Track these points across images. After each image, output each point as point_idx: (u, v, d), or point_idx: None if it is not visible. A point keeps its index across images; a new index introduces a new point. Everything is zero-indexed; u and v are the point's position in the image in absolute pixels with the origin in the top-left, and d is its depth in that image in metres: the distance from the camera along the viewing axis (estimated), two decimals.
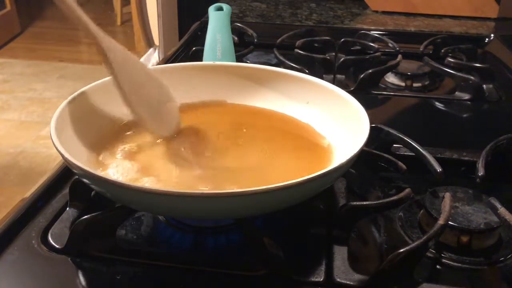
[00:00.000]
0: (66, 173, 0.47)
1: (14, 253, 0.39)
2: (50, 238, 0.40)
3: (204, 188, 0.40)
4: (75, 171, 0.37)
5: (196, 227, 0.42)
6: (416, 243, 0.36)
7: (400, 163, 0.47)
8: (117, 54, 0.42)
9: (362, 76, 0.70)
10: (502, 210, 0.39)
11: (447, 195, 0.40)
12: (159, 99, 0.47)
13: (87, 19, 0.41)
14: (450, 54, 0.79)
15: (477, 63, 0.75)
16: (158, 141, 0.47)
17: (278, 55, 0.75)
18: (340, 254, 0.38)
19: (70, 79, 2.55)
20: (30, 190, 0.45)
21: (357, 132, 0.43)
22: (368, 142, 0.41)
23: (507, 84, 0.73)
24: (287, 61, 0.71)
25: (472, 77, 0.69)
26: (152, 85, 0.47)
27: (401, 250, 0.35)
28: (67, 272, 0.38)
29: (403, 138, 0.49)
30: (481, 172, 0.46)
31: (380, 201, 0.41)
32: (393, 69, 0.74)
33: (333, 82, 0.71)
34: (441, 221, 0.37)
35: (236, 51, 0.68)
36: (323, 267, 0.37)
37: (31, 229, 0.41)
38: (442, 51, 0.81)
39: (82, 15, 0.40)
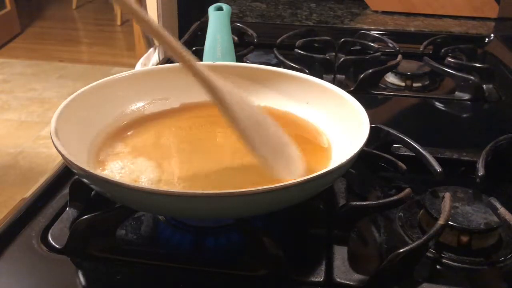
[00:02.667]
0: (66, 173, 0.47)
1: (14, 253, 0.39)
2: (50, 238, 0.40)
3: (204, 188, 0.40)
4: (75, 171, 0.37)
5: (196, 227, 0.42)
6: (416, 243, 0.36)
7: (400, 163, 0.47)
8: (231, 94, 0.39)
9: (362, 76, 0.70)
10: (502, 210, 0.39)
11: (447, 195, 0.40)
12: (280, 141, 0.42)
13: (200, 66, 0.37)
14: (450, 54, 0.79)
15: (477, 63, 0.75)
16: (157, 137, 0.47)
17: (278, 55, 0.75)
18: (340, 254, 0.38)
19: (70, 79, 2.55)
20: (30, 190, 0.45)
21: (357, 132, 0.43)
22: (368, 142, 0.41)
23: (507, 84, 0.73)
24: (287, 61, 0.71)
25: (472, 77, 0.69)
26: (270, 124, 0.42)
27: (401, 250, 0.35)
28: (67, 272, 0.38)
29: (403, 138, 0.49)
30: (481, 172, 0.46)
31: (380, 201, 0.41)
32: (393, 69, 0.74)
33: (333, 82, 0.71)
34: (441, 221, 0.37)
35: (236, 51, 0.68)
36: (323, 267, 0.37)
37: (31, 229, 0.41)
38: (442, 51, 0.81)
39: (198, 67, 0.37)
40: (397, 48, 0.81)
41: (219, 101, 0.38)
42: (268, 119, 0.42)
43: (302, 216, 0.41)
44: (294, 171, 0.41)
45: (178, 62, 0.37)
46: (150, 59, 1.11)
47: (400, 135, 0.49)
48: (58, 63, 2.76)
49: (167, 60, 0.79)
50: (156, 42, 1.10)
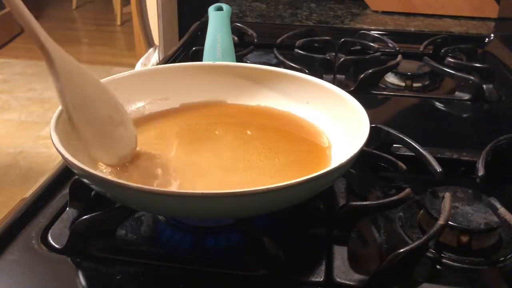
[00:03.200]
0: (66, 173, 0.47)
1: (14, 253, 0.39)
2: (50, 238, 0.40)
3: (205, 188, 0.40)
4: (75, 171, 0.37)
5: (196, 227, 0.42)
6: (416, 243, 0.36)
7: (400, 163, 0.47)
8: (66, 64, 0.38)
9: (362, 76, 0.70)
10: (502, 210, 0.39)
11: (447, 195, 0.40)
12: (110, 121, 0.42)
13: (38, 26, 0.37)
14: (450, 54, 0.79)
15: (477, 63, 0.75)
16: (157, 137, 0.47)
17: (278, 55, 0.75)
18: (340, 254, 0.38)
19: None
20: (30, 190, 0.45)
21: (357, 132, 0.43)
22: (368, 142, 0.41)
23: (507, 84, 0.73)
24: (287, 61, 0.71)
25: (472, 77, 0.69)
26: (105, 105, 0.42)
27: (401, 250, 0.35)
28: (67, 272, 0.38)
29: (403, 138, 0.49)
30: (481, 172, 0.46)
31: (380, 201, 0.41)
32: (393, 69, 0.74)
33: (333, 82, 0.71)
34: (441, 221, 0.37)
35: (236, 51, 0.68)
36: (323, 267, 0.37)
37: (31, 229, 0.41)
38: (442, 51, 0.81)
39: (32, 21, 0.36)
40: (397, 48, 0.81)
41: (48, 64, 0.37)
42: (106, 99, 0.42)
43: (302, 216, 0.41)
44: (115, 151, 0.42)
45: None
46: (150, 59, 1.11)
47: (400, 135, 0.49)
48: None
49: (167, 60, 0.79)
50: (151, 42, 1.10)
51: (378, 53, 0.77)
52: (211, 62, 0.59)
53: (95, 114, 0.41)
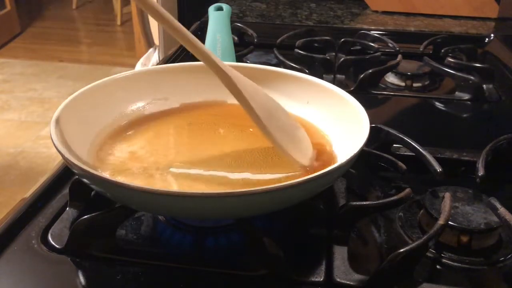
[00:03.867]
0: (66, 173, 0.47)
1: (14, 253, 0.39)
2: (50, 238, 0.40)
3: (205, 188, 0.40)
4: (75, 171, 0.37)
5: (196, 227, 0.42)
6: (416, 243, 0.36)
7: (400, 163, 0.47)
8: (242, 81, 0.41)
9: (362, 76, 0.70)
10: (502, 210, 0.39)
11: (447, 195, 0.40)
12: (291, 125, 0.45)
13: (215, 57, 0.40)
14: (450, 54, 0.79)
15: (477, 63, 0.75)
16: (157, 137, 0.47)
17: (278, 55, 0.75)
18: (340, 254, 0.38)
19: (70, 79, 2.55)
20: (30, 190, 0.45)
21: (357, 132, 0.43)
22: (368, 142, 0.41)
23: (507, 84, 0.73)
24: (287, 61, 0.71)
25: (472, 77, 0.69)
26: (282, 111, 0.45)
27: (401, 250, 0.35)
28: (67, 272, 0.38)
29: (403, 138, 0.49)
30: (481, 172, 0.46)
31: (380, 201, 0.41)
32: (393, 69, 0.74)
33: (333, 82, 0.71)
34: (441, 221, 0.37)
35: (236, 51, 0.68)
36: (323, 267, 0.37)
37: (31, 229, 0.41)
38: (442, 51, 0.81)
39: (211, 54, 0.39)
40: (397, 48, 0.81)
41: (236, 92, 0.40)
42: (278, 106, 0.45)
43: (302, 216, 0.41)
44: (306, 152, 0.44)
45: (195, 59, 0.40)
46: (150, 59, 1.11)
47: (400, 135, 0.49)
48: (58, 63, 2.76)
49: (167, 60, 0.79)
50: (156, 42, 1.10)
51: (378, 53, 0.77)
52: None
53: (282, 122, 0.44)
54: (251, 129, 0.49)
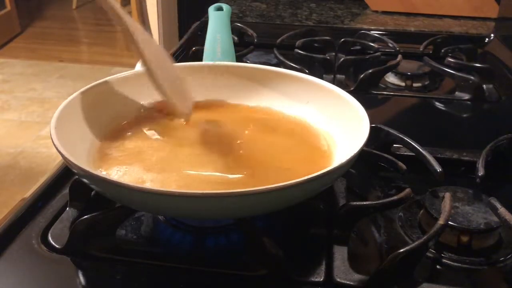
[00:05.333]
0: (66, 173, 0.47)
1: (14, 253, 0.39)
2: (50, 238, 0.40)
3: (204, 188, 0.40)
4: (75, 171, 0.37)
5: (196, 227, 0.42)
6: (416, 243, 0.36)
7: (400, 163, 0.47)
8: (140, 34, 0.46)
9: (362, 76, 0.70)
10: (502, 210, 0.39)
11: (447, 195, 0.40)
12: (177, 76, 0.50)
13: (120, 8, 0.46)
14: (450, 54, 0.80)
15: (477, 63, 0.75)
16: (157, 137, 0.47)
17: (278, 55, 0.75)
18: (340, 254, 0.38)
19: (70, 79, 2.55)
20: (30, 190, 0.45)
21: (357, 132, 0.43)
22: (368, 142, 0.41)
23: (507, 84, 0.73)
24: (287, 61, 0.71)
25: (472, 77, 0.69)
26: (170, 64, 0.51)
27: (401, 250, 0.35)
28: (67, 272, 0.38)
29: (403, 138, 0.49)
30: (481, 172, 0.46)
31: (380, 201, 0.41)
32: (393, 69, 0.74)
33: (333, 82, 0.71)
34: (441, 221, 0.37)
35: (236, 51, 0.68)
36: (323, 267, 0.37)
37: (31, 229, 0.41)
38: (442, 51, 0.81)
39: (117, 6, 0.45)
40: (397, 48, 0.81)
41: (131, 37, 0.45)
42: (169, 59, 0.50)
43: (302, 216, 0.41)
44: (187, 103, 0.50)
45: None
46: None
47: (400, 135, 0.49)
48: (58, 63, 2.76)
49: None
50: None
51: (378, 53, 0.77)
52: (211, 62, 0.59)
53: (169, 73, 0.49)
54: (248, 132, 0.49)
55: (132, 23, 0.46)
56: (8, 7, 2.97)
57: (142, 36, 0.46)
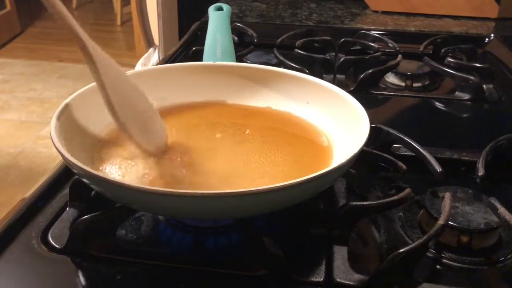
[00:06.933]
0: (66, 173, 0.47)
1: (14, 253, 0.39)
2: (50, 238, 0.40)
3: (204, 188, 0.40)
4: (75, 171, 0.37)
5: (196, 227, 0.42)
6: (416, 243, 0.36)
7: (400, 163, 0.47)
8: (102, 58, 0.41)
9: (362, 76, 0.70)
10: (502, 210, 0.39)
11: (447, 195, 0.40)
12: (144, 110, 0.44)
13: (75, 24, 0.40)
14: (450, 54, 0.79)
15: (477, 63, 0.75)
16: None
17: (278, 55, 0.75)
18: (340, 254, 0.38)
19: (70, 79, 2.55)
20: (30, 190, 0.45)
21: (357, 132, 0.43)
22: (368, 142, 0.41)
23: (507, 84, 0.73)
24: (287, 61, 0.71)
25: (472, 77, 0.69)
26: (137, 95, 0.45)
27: (401, 250, 0.35)
28: (67, 272, 0.38)
29: (403, 138, 0.49)
30: (481, 172, 0.46)
31: (380, 201, 0.41)
32: (393, 69, 0.74)
33: (333, 82, 0.71)
34: (441, 221, 0.37)
35: (236, 51, 0.68)
36: (323, 267, 0.37)
37: (31, 229, 0.41)
38: (442, 51, 0.81)
39: (70, 19, 0.39)
40: (397, 48, 0.81)
41: (88, 59, 0.39)
42: (136, 89, 0.44)
43: (302, 216, 0.41)
44: (152, 140, 0.43)
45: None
46: (150, 59, 1.11)
47: (400, 135, 0.49)
48: (58, 63, 2.76)
49: (167, 60, 0.79)
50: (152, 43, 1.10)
51: (378, 53, 0.77)
52: (211, 62, 0.59)
53: (137, 109, 0.43)
54: (248, 132, 0.49)
55: (88, 39, 0.41)
56: (8, 7, 2.97)
57: (102, 57, 0.41)
